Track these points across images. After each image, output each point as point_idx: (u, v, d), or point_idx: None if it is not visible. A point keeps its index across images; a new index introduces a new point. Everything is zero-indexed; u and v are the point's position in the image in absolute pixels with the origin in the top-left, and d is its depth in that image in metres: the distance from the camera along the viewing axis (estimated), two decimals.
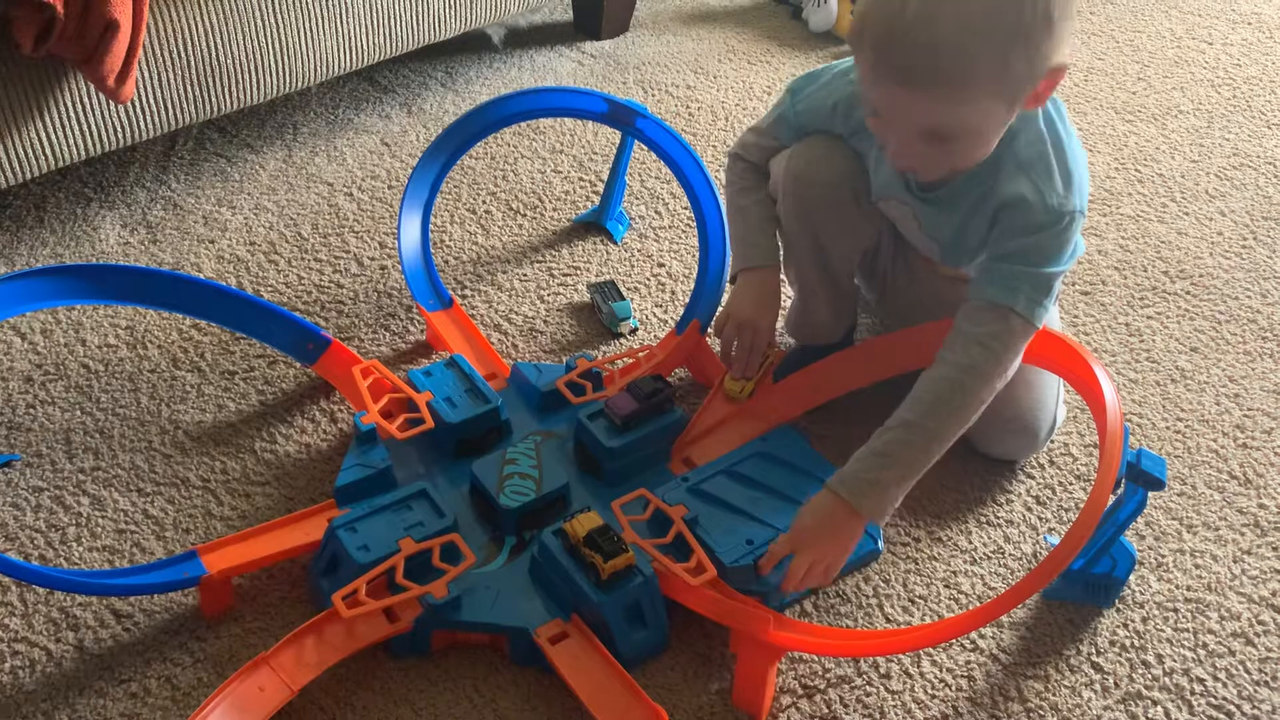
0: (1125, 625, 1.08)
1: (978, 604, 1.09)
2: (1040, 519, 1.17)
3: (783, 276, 1.23)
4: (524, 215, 1.57)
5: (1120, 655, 1.05)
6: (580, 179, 1.64)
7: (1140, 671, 1.04)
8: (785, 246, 1.22)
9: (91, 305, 1.36)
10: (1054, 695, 1.02)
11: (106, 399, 1.26)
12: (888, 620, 1.08)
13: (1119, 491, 1.03)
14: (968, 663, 1.04)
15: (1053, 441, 1.25)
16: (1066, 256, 1.03)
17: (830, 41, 2.02)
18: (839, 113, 1.12)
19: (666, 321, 1.41)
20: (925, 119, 0.96)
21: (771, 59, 1.97)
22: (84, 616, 1.04)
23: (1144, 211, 1.62)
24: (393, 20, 1.60)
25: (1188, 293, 1.47)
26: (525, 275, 1.47)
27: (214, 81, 1.46)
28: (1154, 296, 1.47)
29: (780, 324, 1.33)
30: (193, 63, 1.43)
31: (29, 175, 1.37)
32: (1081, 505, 1.18)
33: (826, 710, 1.00)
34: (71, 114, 1.36)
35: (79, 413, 1.25)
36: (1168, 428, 1.28)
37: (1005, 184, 1.03)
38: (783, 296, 1.23)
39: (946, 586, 1.11)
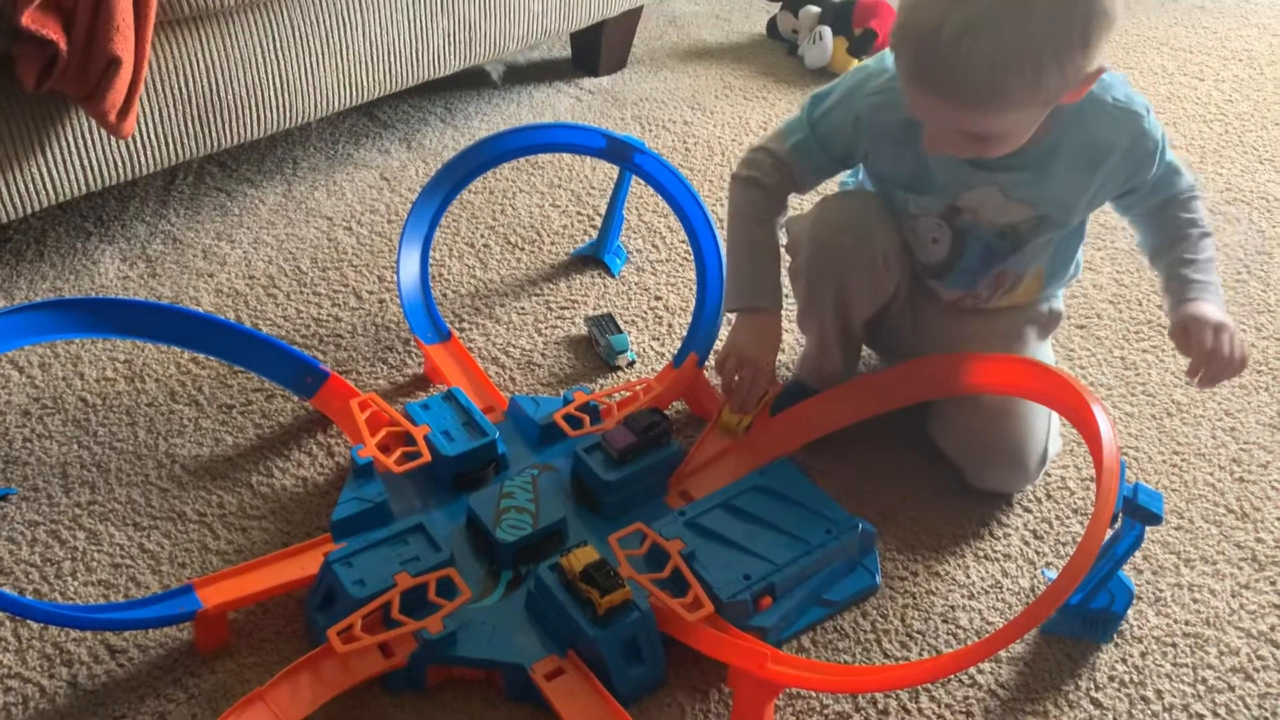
0: (1124, 660, 1.07)
1: (975, 638, 1.09)
2: (1038, 553, 1.17)
3: (790, 324, 1.23)
4: (522, 249, 1.58)
5: (1119, 691, 1.05)
6: (578, 213, 1.65)
7: (1140, 707, 1.03)
8: (806, 298, 1.21)
9: (90, 339, 1.37)
10: None
11: (104, 433, 1.26)
12: (886, 655, 1.07)
13: (1116, 526, 1.03)
14: (966, 698, 1.03)
15: (1049, 475, 1.25)
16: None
17: (825, 77, 2.04)
18: (863, 127, 1.12)
19: (664, 354, 1.41)
20: (961, 126, 0.99)
21: (767, 95, 1.99)
22: (78, 652, 1.04)
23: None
24: (392, 56, 1.62)
25: None
26: (523, 308, 1.47)
27: (214, 117, 1.47)
28: (1149, 330, 1.47)
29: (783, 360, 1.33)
30: (193, 98, 1.44)
31: (30, 210, 1.37)
32: (1079, 539, 1.18)
33: None
34: (73, 149, 1.37)
35: (76, 446, 1.25)
36: (1164, 461, 1.28)
37: (1101, 125, 1.08)
38: (784, 332, 1.23)
39: (944, 621, 1.10)
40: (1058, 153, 1.08)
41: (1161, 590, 1.14)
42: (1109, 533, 1.00)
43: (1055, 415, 1.21)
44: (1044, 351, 1.25)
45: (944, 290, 1.21)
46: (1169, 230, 1.16)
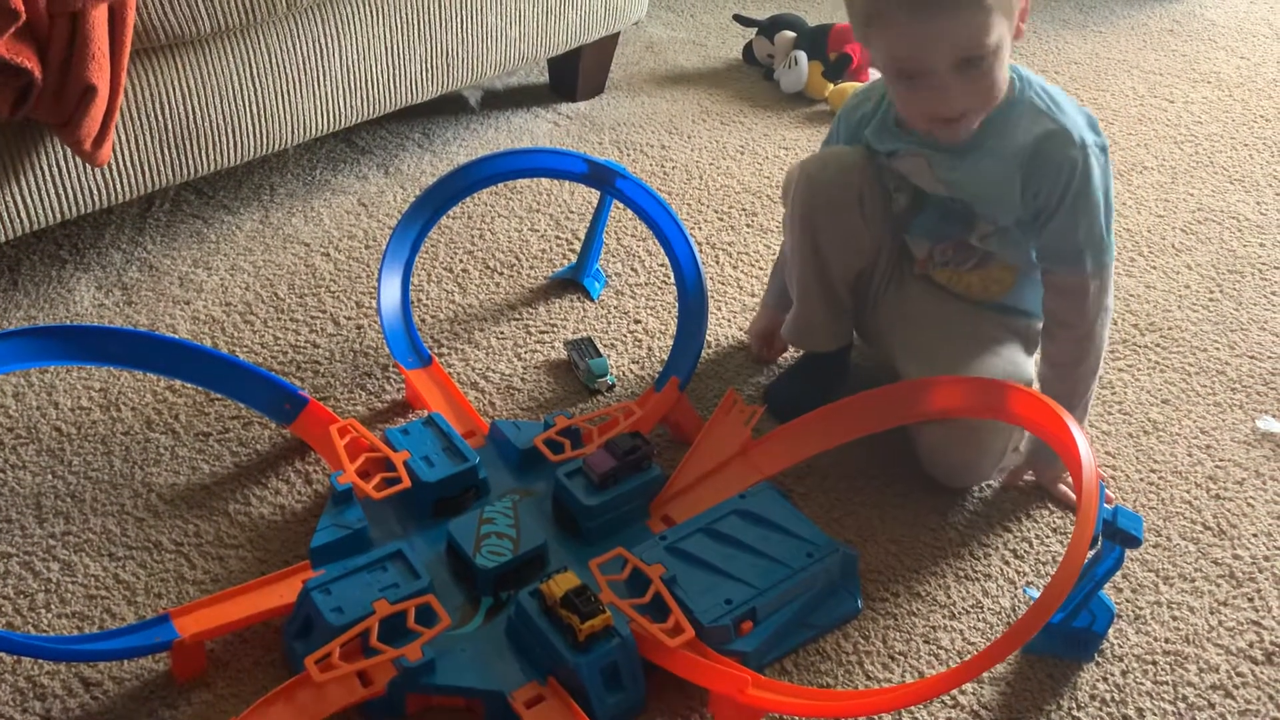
0: (1105, 679, 1.07)
1: (957, 659, 1.09)
2: (1018, 573, 1.17)
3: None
4: (501, 274, 1.58)
5: (1101, 709, 1.05)
6: (557, 237, 1.65)
7: None
8: (790, 245, 1.30)
9: (65, 367, 1.36)
10: None
11: (79, 462, 1.25)
12: (868, 678, 1.07)
13: (1096, 548, 1.03)
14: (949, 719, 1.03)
15: (1028, 495, 1.26)
16: (1104, 197, 1.14)
17: (801, 102, 2.06)
18: (841, 126, 1.30)
19: (643, 378, 1.41)
20: (954, 48, 1.05)
21: (744, 119, 2.00)
22: (52, 685, 1.02)
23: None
24: (370, 83, 1.62)
25: (1158, 345, 1.49)
26: (502, 333, 1.47)
27: (191, 144, 1.47)
28: (1125, 349, 1.49)
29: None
30: (170, 125, 1.44)
31: (4, 238, 1.37)
32: (1059, 558, 1.18)
33: None
34: (48, 176, 1.36)
35: (50, 476, 1.23)
36: (1141, 479, 1.29)
37: (1026, 128, 1.13)
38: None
39: (926, 642, 1.10)
40: (982, 145, 1.16)
41: (1141, 608, 1.14)
42: (1089, 554, 1.00)
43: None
44: (1024, 366, 1.26)
45: (913, 243, 1.28)
46: (1049, 351, 1.22)
